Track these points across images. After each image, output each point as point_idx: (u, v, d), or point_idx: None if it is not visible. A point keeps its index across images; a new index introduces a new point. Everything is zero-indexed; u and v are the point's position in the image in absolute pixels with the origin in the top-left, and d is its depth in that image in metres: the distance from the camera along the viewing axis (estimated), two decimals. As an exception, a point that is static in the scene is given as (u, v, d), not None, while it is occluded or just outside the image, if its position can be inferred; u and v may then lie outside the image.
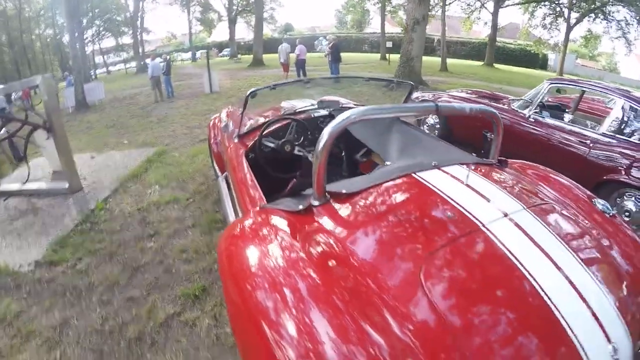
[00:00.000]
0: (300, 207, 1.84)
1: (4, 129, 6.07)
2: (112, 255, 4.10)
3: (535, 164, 2.62)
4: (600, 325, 1.31)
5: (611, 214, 2.00)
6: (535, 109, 4.41)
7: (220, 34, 46.22)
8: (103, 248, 4.27)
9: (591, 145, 3.96)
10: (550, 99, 5.17)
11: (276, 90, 3.54)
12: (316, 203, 1.82)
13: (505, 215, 1.65)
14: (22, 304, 3.54)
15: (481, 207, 1.70)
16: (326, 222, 1.69)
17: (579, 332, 1.25)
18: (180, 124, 10.22)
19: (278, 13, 41.99)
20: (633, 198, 3.75)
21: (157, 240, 4.30)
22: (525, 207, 1.75)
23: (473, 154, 2.57)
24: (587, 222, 1.88)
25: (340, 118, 1.77)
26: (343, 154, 3.55)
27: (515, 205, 1.75)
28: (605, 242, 1.76)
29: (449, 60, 26.18)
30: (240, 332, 1.46)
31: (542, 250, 1.49)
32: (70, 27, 19.12)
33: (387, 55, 27.31)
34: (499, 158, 2.39)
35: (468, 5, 32.11)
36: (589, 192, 2.25)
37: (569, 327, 1.26)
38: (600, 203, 2.07)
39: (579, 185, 2.33)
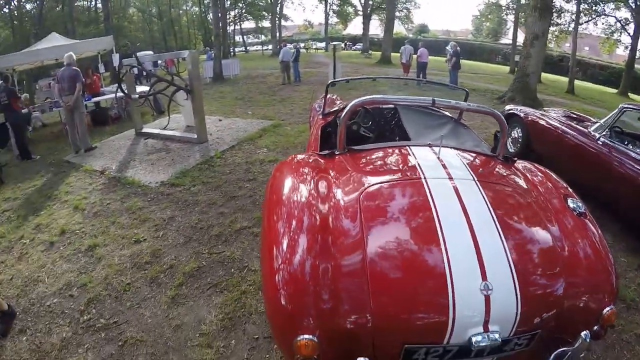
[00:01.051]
0: (327, 152, 2.60)
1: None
2: (217, 187, 5.25)
3: (539, 165, 2.71)
4: (482, 266, 1.61)
5: (579, 212, 2.11)
6: (605, 132, 4.18)
7: (356, 27, 47.15)
8: (212, 181, 5.44)
9: None
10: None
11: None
12: (337, 152, 2.57)
13: (450, 178, 2.06)
14: (145, 203, 4.89)
15: (434, 168, 2.17)
16: (339, 163, 2.41)
17: (456, 269, 1.59)
18: (299, 105, 11.31)
19: (414, 13, 40.64)
20: None
21: (253, 183, 5.31)
22: (475, 179, 2.10)
23: (486, 149, 3.06)
24: (538, 209, 2.06)
25: (356, 101, 2.64)
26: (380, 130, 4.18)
27: (466, 175, 2.14)
28: (548, 230, 1.92)
29: (581, 84, 23.32)
30: (261, 237, 2.16)
31: (464, 209, 1.83)
32: (214, 7, 21.64)
33: (515, 69, 25.65)
34: (506, 156, 2.70)
35: (609, 25, 27.77)
36: (569, 191, 2.36)
37: (449, 262, 1.61)
38: (572, 202, 2.18)
39: (564, 185, 2.43)
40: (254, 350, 2.54)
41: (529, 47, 10.73)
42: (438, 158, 2.29)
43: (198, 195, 4.99)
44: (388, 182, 2.10)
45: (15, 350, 2.68)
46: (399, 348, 1.55)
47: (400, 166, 2.33)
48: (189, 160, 6.40)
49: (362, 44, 36.82)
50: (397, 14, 36.82)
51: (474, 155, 2.63)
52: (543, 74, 13.51)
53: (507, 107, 6.39)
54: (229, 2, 43.50)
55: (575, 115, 5.48)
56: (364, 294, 1.56)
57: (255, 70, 21.98)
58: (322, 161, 2.48)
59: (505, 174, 2.42)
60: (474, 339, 1.50)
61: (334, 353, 1.58)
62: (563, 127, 4.87)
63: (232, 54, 42.67)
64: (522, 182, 2.32)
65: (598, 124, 4.45)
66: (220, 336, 2.67)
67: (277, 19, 43.08)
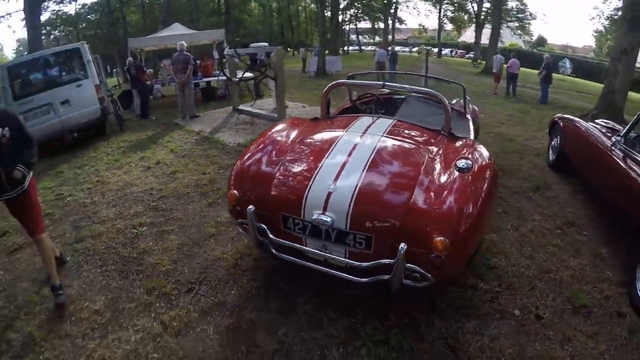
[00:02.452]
0: (313, 117, 3.82)
1: (247, 73, 9.44)
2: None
3: (479, 145, 3.07)
4: (337, 178, 2.48)
5: (461, 168, 2.56)
6: (621, 138, 3.90)
7: (471, 35, 45.57)
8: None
9: None
10: None
11: None
12: (320, 118, 3.76)
13: (364, 134, 3.01)
14: (220, 154, 6.40)
15: (359, 127, 3.17)
16: (314, 124, 3.48)
17: (320, 175, 2.52)
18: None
19: (530, 25, 37.34)
20: None
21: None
22: (383, 136, 2.97)
23: (463, 133, 3.73)
24: (420, 161, 2.70)
25: (333, 83, 3.86)
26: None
27: (378, 133, 3.02)
28: (414, 172, 2.56)
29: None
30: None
31: (353, 148, 2.75)
32: (321, 7, 23.09)
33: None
34: (452, 133, 3.30)
35: None
36: (480, 161, 2.76)
37: (319, 171, 2.56)
38: (462, 162, 2.62)
39: (486, 157, 2.84)
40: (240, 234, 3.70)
41: (617, 63, 10.23)
42: (372, 123, 3.26)
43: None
44: (322, 131, 3.22)
45: (106, 214, 4.26)
46: (279, 214, 2.57)
47: (342, 124, 3.34)
48: (264, 131, 7.87)
49: (474, 52, 35.93)
50: (510, 24, 35.19)
51: (415, 126, 3.39)
52: (632, 93, 12.48)
53: (556, 115, 6.00)
54: (345, 2, 45.46)
55: (611, 126, 4.77)
56: (271, 180, 2.63)
57: (358, 69, 23.19)
58: (307, 122, 3.58)
59: (421, 140, 3.10)
60: (315, 217, 2.36)
61: (258, 205, 2.58)
62: (589, 133, 4.61)
63: (345, 52, 44.25)
64: (431, 147, 2.96)
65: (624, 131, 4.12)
66: (224, 224, 3.94)
67: (390, 20, 43.39)
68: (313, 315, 2.58)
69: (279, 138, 3.06)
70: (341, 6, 45.65)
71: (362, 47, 53.55)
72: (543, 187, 4.87)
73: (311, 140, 2.99)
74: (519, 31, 36.50)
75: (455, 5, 40.00)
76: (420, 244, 2.20)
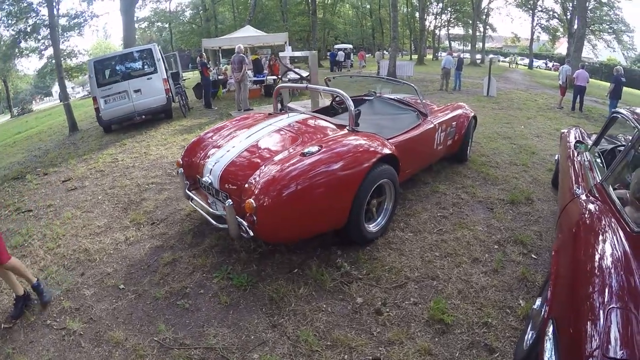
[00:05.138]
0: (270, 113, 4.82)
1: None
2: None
3: (373, 134, 3.73)
4: (222, 155, 3.44)
5: (305, 153, 3.06)
6: (576, 142, 3.51)
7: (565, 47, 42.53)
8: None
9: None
10: None
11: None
12: (271, 113, 4.81)
13: (269, 125, 3.89)
14: None
15: (269, 122, 3.98)
16: (253, 117, 4.53)
17: (219, 153, 3.52)
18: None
19: (630, 38, 33.33)
20: None
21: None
22: (279, 127, 3.80)
23: (344, 124, 3.92)
24: (289, 148, 3.37)
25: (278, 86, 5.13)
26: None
27: (278, 126, 3.83)
28: (273, 154, 3.30)
29: None
30: None
31: (248, 136, 3.67)
32: (393, 11, 23.60)
33: None
34: (354, 128, 3.74)
35: None
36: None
37: (218, 147, 3.64)
38: (310, 148, 3.17)
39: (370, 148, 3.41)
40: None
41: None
42: (287, 117, 4.14)
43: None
44: (245, 123, 4.25)
45: (136, 174, 5.90)
46: (195, 176, 3.68)
47: (263, 118, 4.32)
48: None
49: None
50: (606, 36, 32.48)
51: (321, 121, 4.05)
52: None
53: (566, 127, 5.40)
54: (439, 7, 45.01)
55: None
56: (195, 154, 3.81)
57: (428, 75, 23.59)
58: (252, 116, 4.57)
59: (310, 131, 3.73)
60: (204, 178, 3.35)
61: (189, 171, 3.82)
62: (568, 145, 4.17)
63: (435, 57, 44.06)
64: (317, 136, 3.59)
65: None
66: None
67: (481, 27, 42.35)
68: (206, 250, 3.61)
69: (221, 125, 4.29)
70: (434, 11, 45.47)
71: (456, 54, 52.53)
72: (521, 201, 4.51)
73: (232, 129, 4.13)
74: (615, 43, 33.29)
75: (550, 13, 37.64)
76: (243, 204, 2.84)
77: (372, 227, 3.61)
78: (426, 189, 4.85)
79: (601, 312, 1.54)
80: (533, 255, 3.42)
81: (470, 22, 40.65)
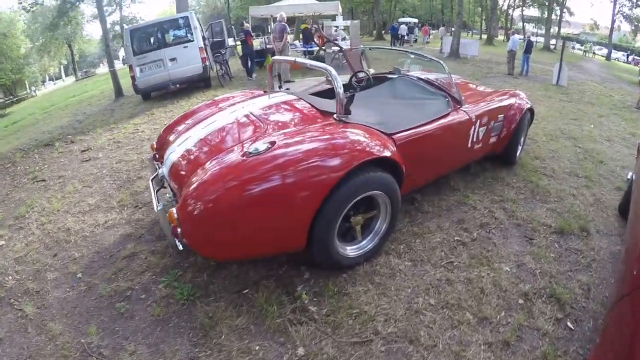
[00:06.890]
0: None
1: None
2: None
3: (369, 127, 2.95)
4: (180, 144, 3.12)
5: (250, 152, 2.51)
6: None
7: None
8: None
9: None
10: None
11: None
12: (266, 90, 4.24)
13: (242, 108, 3.47)
14: None
15: (249, 105, 3.55)
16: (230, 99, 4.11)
17: (176, 142, 3.22)
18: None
19: None
20: None
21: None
22: (251, 111, 3.32)
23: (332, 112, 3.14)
24: (240, 141, 2.88)
25: (273, 58, 4.36)
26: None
27: (252, 111, 3.34)
28: (229, 150, 2.75)
29: None
30: None
31: (223, 120, 3.28)
32: None
33: None
34: (340, 118, 2.98)
35: None
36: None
37: (180, 140, 3.21)
38: (257, 144, 2.64)
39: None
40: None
41: None
42: (268, 98, 3.68)
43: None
44: (222, 102, 3.91)
45: (144, 149, 5.92)
46: (162, 160, 3.27)
47: (240, 100, 3.91)
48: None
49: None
50: None
51: (306, 106, 3.37)
52: None
53: None
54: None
55: None
56: (166, 138, 3.53)
57: (495, 56, 21.81)
58: (250, 93, 4.24)
59: (283, 119, 3.21)
60: (162, 170, 3.11)
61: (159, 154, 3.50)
62: None
63: (508, 38, 41.04)
64: (290, 127, 3.01)
65: None
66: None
67: (556, 9, 38.42)
68: (167, 247, 3.39)
69: (195, 108, 4.00)
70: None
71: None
72: (574, 232, 3.44)
73: (206, 111, 3.77)
74: None
75: (633, 1, 32.97)
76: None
77: (351, 251, 2.87)
78: (452, 197, 3.97)
79: None
80: (569, 324, 2.44)
81: (547, 3, 37.12)
